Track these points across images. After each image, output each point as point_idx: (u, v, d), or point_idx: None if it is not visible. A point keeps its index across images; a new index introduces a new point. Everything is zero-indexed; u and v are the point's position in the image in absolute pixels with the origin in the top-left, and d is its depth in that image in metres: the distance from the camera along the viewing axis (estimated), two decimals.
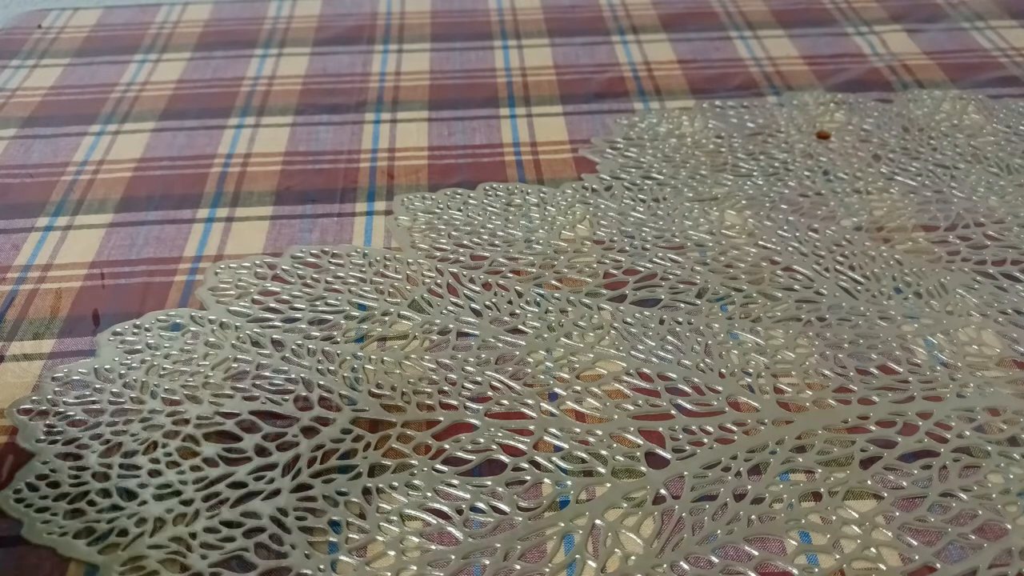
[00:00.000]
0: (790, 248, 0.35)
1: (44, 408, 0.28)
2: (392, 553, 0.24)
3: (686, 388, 0.29)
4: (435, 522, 0.25)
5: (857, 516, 0.25)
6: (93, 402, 0.29)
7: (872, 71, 0.48)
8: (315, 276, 0.34)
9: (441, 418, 0.28)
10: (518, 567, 0.24)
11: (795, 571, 0.24)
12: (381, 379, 0.30)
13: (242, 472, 0.26)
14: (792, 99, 0.45)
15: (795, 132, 0.42)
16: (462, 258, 0.35)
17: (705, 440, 0.27)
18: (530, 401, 0.29)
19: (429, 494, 0.26)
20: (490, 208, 0.37)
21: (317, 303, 0.33)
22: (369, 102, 0.46)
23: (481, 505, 0.25)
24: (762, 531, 0.25)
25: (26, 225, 0.38)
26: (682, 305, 0.32)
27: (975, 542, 0.24)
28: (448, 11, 0.55)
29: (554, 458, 0.27)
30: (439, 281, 0.33)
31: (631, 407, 0.28)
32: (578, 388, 0.29)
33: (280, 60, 0.50)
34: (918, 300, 0.33)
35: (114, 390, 0.29)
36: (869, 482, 0.26)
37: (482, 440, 0.27)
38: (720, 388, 0.29)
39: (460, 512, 0.25)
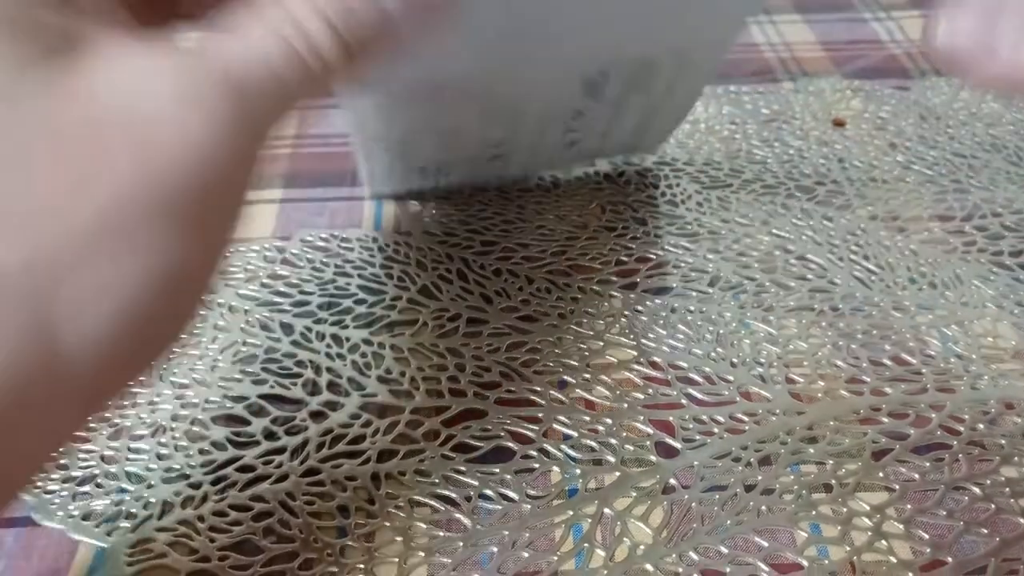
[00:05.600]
0: (804, 237, 0.35)
1: None
2: (400, 539, 0.24)
3: (697, 377, 0.29)
4: (443, 509, 0.25)
5: (868, 508, 0.25)
6: None
7: (889, 57, 0.47)
8: (324, 260, 0.34)
9: (450, 404, 0.28)
10: (526, 555, 0.24)
11: (805, 562, 0.23)
12: (390, 364, 0.29)
13: (250, 456, 0.26)
14: (808, 85, 0.44)
15: (811, 119, 0.42)
16: (473, 244, 0.34)
17: (715, 430, 0.27)
18: (539, 388, 0.28)
19: (437, 480, 0.26)
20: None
21: (327, 287, 0.32)
22: None
23: (489, 492, 0.25)
24: (772, 522, 0.24)
25: None
26: (694, 293, 0.32)
27: (986, 536, 0.24)
28: None
29: (563, 446, 0.27)
30: (449, 267, 0.33)
31: (641, 396, 0.28)
32: (588, 376, 0.29)
33: None
34: (933, 291, 0.32)
35: None
36: (880, 474, 0.26)
37: (491, 427, 0.27)
38: (731, 377, 0.29)
39: (468, 499, 0.25)
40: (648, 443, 0.27)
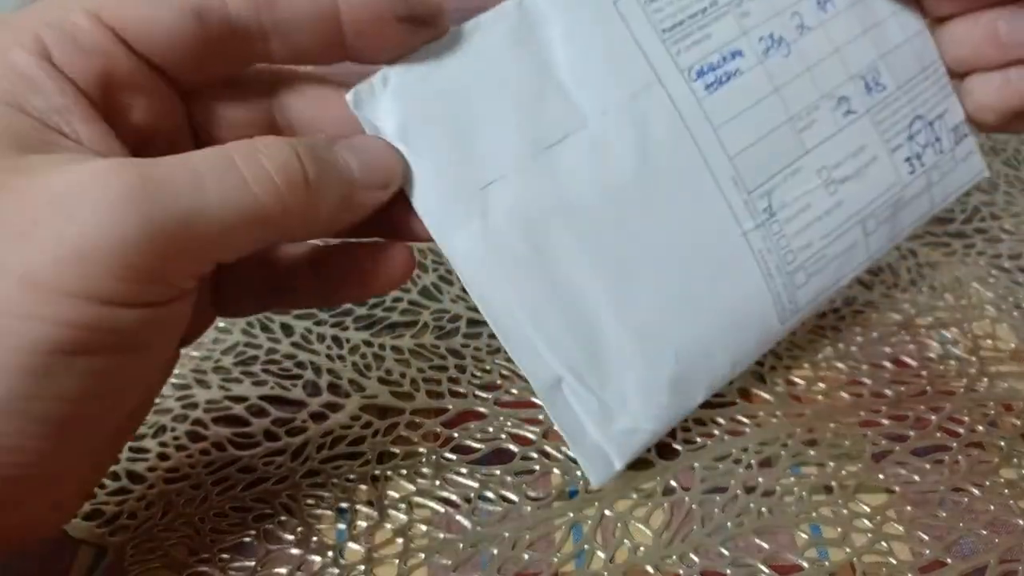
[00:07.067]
0: None
1: None
2: (400, 540, 0.24)
3: None
4: (443, 510, 0.25)
5: (868, 509, 0.25)
6: None
7: None
8: None
9: (450, 406, 0.28)
10: (526, 556, 0.24)
11: (805, 564, 0.23)
12: (391, 366, 0.29)
13: (251, 457, 0.26)
14: None
15: None
16: None
17: (716, 432, 0.27)
18: None
19: (437, 482, 0.26)
20: None
21: None
22: None
23: (490, 494, 0.25)
24: (772, 524, 0.24)
25: None
26: None
27: (986, 537, 0.24)
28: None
29: (564, 448, 0.27)
30: (450, 268, 0.33)
31: None
32: None
33: None
34: (932, 293, 0.32)
35: None
36: (881, 476, 0.26)
37: (491, 429, 0.27)
38: (731, 380, 0.29)
39: (468, 501, 0.25)
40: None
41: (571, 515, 0.25)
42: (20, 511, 0.19)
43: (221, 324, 0.31)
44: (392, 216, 0.21)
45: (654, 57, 0.23)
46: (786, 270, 0.25)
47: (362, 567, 0.24)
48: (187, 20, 0.18)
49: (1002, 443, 0.27)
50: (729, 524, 0.24)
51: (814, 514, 0.25)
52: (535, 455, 0.27)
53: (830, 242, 0.26)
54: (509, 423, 0.27)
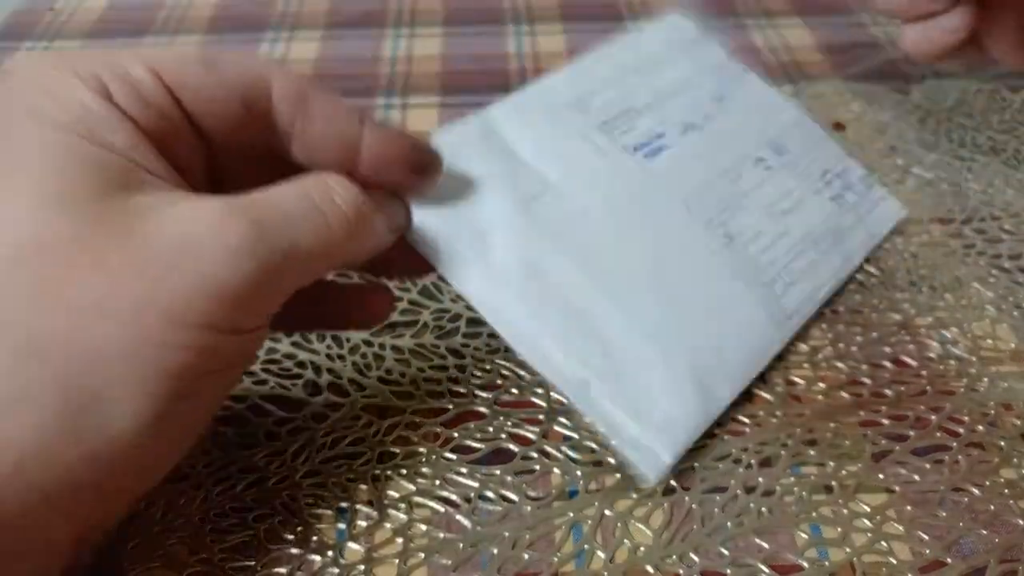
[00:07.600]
0: None
1: None
2: (400, 540, 0.24)
3: None
4: (443, 510, 0.25)
5: (868, 509, 0.25)
6: None
7: (890, 61, 0.47)
8: None
9: (450, 406, 0.28)
10: (526, 556, 0.24)
11: (805, 564, 0.23)
12: (391, 365, 0.29)
13: (252, 457, 0.26)
14: (808, 89, 0.44)
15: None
16: None
17: (716, 432, 0.27)
18: (540, 390, 0.28)
19: (437, 482, 0.26)
20: None
21: None
22: (379, 87, 0.46)
23: (490, 494, 0.25)
24: (772, 523, 0.25)
25: None
26: None
27: (986, 537, 0.24)
28: None
29: (564, 448, 0.27)
30: None
31: None
32: None
33: (291, 44, 0.50)
34: (932, 293, 0.32)
35: None
36: (880, 475, 0.26)
37: (491, 429, 0.27)
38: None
39: (468, 500, 0.25)
40: None
41: (571, 515, 0.25)
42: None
43: None
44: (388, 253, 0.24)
45: (597, 140, 0.29)
46: (761, 281, 0.29)
47: (362, 567, 0.24)
48: (235, 102, 0.21)
49: (1002, 443, 0.27)
50: (729, 524, 0.24)
51: (814, 514, 0.25)
52: (535, 455, 0.27)
53: (793, 258, 0.30)
54: (509, 423, 0.27)
